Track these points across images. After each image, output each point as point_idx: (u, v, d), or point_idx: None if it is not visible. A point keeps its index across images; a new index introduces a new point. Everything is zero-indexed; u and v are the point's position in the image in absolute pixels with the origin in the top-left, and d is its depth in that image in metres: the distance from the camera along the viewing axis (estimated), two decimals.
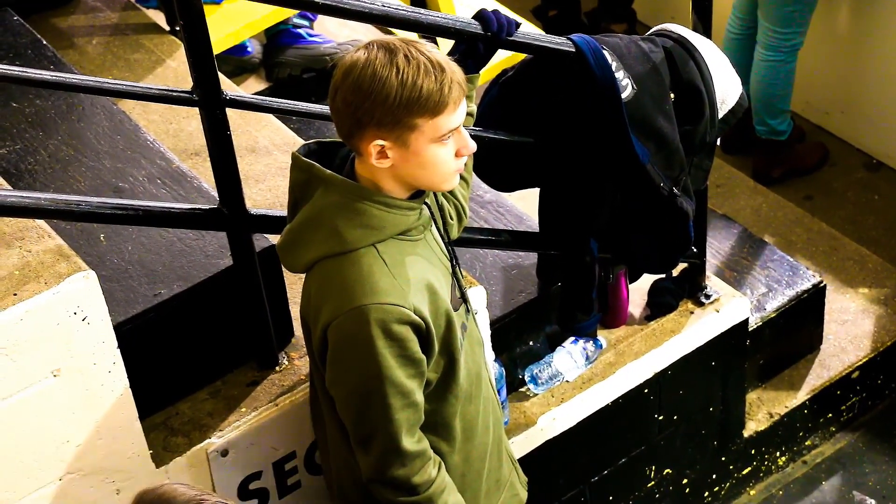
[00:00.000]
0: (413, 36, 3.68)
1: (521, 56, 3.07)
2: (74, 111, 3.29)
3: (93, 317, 2.54)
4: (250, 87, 4.21)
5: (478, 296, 3.03)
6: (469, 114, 2.76)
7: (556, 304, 3.40)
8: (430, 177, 2.37)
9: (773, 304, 3.92)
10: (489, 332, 3.14)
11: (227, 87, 3.53)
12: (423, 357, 2.41)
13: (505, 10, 2.99)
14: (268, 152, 3.45)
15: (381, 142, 2.30)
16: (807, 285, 3.97)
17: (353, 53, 2.30)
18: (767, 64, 4.61)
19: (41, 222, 2.64)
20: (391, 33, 4.00)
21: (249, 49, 4.25)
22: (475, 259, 3.44)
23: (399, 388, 2.38)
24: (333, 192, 2.37)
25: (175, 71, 3.75)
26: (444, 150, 2.34)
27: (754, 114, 4.72)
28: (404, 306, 2.34)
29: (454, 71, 2.30)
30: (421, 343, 2.40)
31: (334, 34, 4.39)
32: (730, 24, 4.79)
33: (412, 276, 2.38)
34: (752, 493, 4.04)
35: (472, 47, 2.72)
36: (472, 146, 2.39)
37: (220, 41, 3.85)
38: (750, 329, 3.77)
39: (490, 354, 3.12)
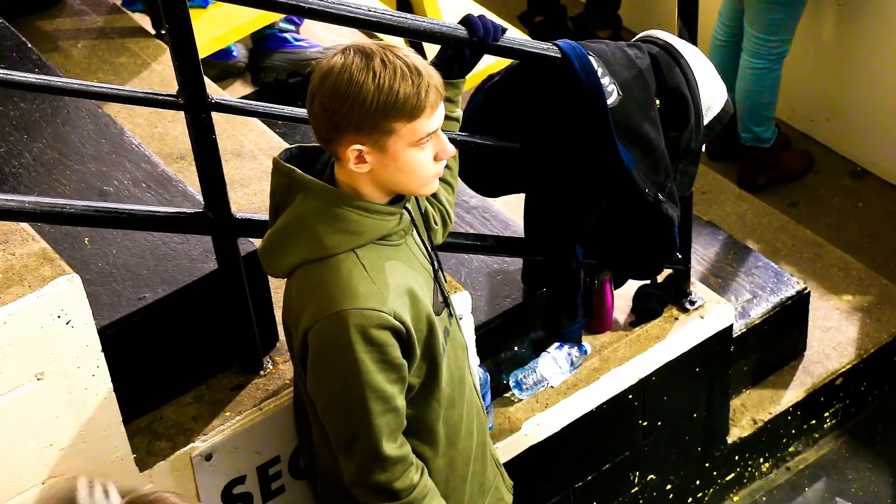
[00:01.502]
0: (399, 41, 3.70)
1: (507, 62, 3.07)
2: (59, 114, 3.29)
3: (77, 320, 2.54)
4: (236, 92, 4.21)
5: (463, 301, 3.03)
6: (455, 119, 2.76)
7: (541, 310, 3.40)
8: (408, 181, 2.37)
9: (758, 311, 3.93)
10: (474, 337, 3.14)
11: (213, 91, 3.53)
12: (404, 362, 2.41)
13: (491, 16, 2.99)
14: (253, 156, 3.45)
15: (358, 146, 2.30)
16: (791, 292, 3.98)
17: (329, 58, 2.30)
18: (753, 71, 4.62)
19: (25, 225, 2.64)
20: (378, 38, 4.00)
21: (235, 53, 4.24)
22: (460, 264, 3.44)
23: (379, 394, 2.38)
24: (313, 198, 2.37)
25: (161, 75, 3.75)
26: (423, 154, 2.34)
27: (739, 121, 4.73)
28: (384, 311, 2.34)
29: (431, 75, 2.30)
30: (402, 348, 2.40)
31: (321, 39, 4.39)
32: (716, 31, 4.80)
33: (392, 281, 2.38)
34: (735, 499, 4.04)
35: (458, 52, 2.72)
36: (452, 150, 2.39)
37: (205, 45, 3.85)
38: (734, 335, 3.77)
39: (475, 360, 3.12)
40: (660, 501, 3.85)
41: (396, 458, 2.45)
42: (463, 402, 2.65)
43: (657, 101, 3.01)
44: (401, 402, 2.44)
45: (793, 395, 4.04)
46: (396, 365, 2.39)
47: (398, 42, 3.74)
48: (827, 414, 4.13)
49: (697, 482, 3.92)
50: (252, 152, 3.46)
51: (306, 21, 4.36)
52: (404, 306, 2.39)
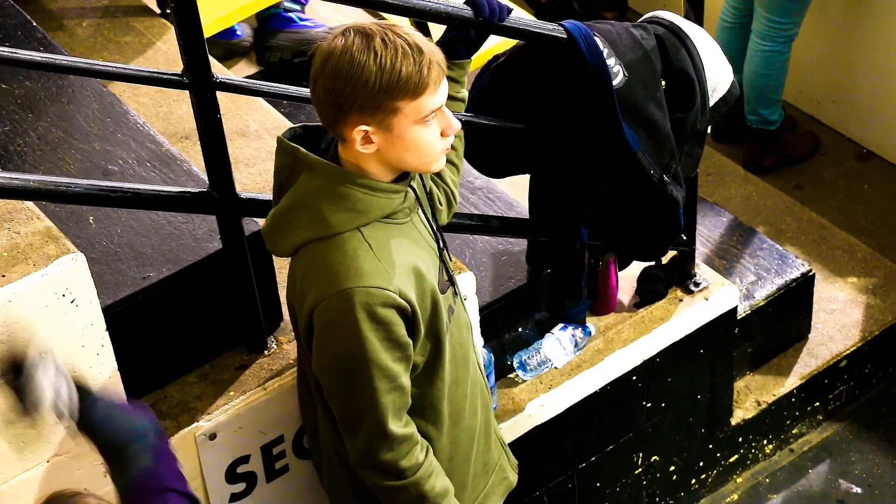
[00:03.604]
0: (404, 21, 3.69)
1: (513, 42, 3.07)
2: (64, 93, 3.28)
3: (81, 299, 2.54)
4: (241, 71, 4.20)
5: (467, 282, 3.03)
6: (460, 99, 2.76)
7: (546, 291, 3.40)
8: (416, 159, 2.37)
9: (762, 293, 3.92)
10: (478, 318, 3.14)
11: (218, 70, 3.53)
12: (409, 341, 2.41)
13: None
14: (258, 136, 3.44)
15: (364, 127, 2.30)
16: (796, 274, 3.98)
17: (330, 41, 2.29)
18: (763, 54, 4.60)
19: (30, 204, 2.64)
20: (382, 18, 4.00)
21: (240, 33, 4.24)
22: (465, 245, 3.44)
23: (385, 372, 2.38)
24: (318, 176, 2.37)
25: (165, 54, 3.74)
26: (429, 131, 2.34)
27: (746, 103, 4.72)
28: (389, 289, 2.34)
29: (433, 52, 2.30)
30: (407, 326, 2.40)
31: (326, 18, 4.38)
32: (723, 12, 4.78)
33: (397, 259, 2.38)
34: (738, 480, 4.05)
35: (463, 33, 2.71)
36: (457, 125, 2.39)
37: (210, 25, 3.84)
38: (738, 317, 3.77)
39: (479, 340, 3.12)
40: (663, 483, 3.86)
41: (402, 436, 2.46)
42: (467, 381, 2.65)
43: (663, 83, 3.00)
44: (406, 380, 2.44)
45: (797, 377, 4.04)
46: (402, 343, 2.40)
47: (403, 22, 3.74)
48: (831, 396, 4.14)
49: (701, 464, 3.93)
50: (257, 132, 3.46)
51: (311, 0, 4.35)
52: (409, 284, 2.39)
